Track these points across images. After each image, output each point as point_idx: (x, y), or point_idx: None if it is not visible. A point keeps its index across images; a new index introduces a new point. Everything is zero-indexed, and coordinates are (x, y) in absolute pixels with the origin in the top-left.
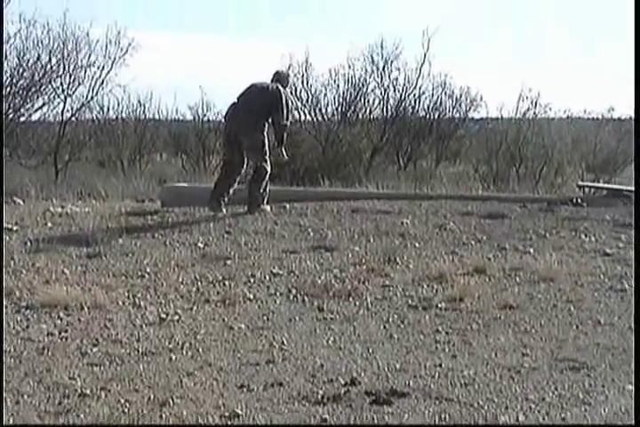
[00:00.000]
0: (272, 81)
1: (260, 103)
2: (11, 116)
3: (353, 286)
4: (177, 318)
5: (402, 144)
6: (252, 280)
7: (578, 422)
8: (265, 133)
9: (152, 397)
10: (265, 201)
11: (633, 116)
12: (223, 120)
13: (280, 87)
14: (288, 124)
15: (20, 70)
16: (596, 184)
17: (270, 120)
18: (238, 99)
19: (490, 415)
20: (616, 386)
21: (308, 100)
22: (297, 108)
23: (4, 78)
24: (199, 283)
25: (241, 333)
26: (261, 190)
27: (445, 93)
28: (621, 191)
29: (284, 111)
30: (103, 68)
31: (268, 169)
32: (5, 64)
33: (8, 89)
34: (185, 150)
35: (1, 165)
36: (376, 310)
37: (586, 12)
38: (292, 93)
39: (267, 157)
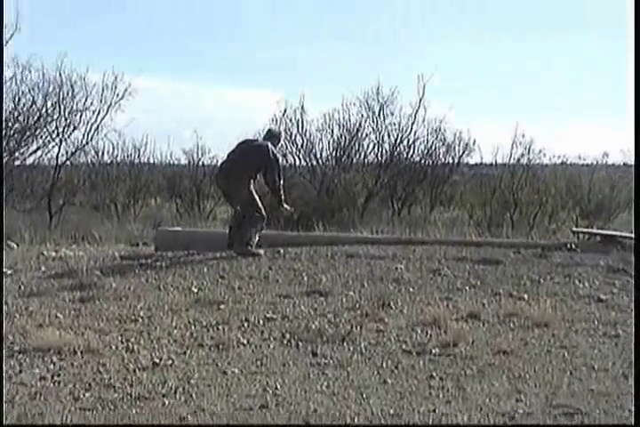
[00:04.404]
0: (264, 138)
1: (248, 162)
2: (5, 159)
3: (347, 331)
4: (170, 362)
5: (396, 189)
6: (245, 325)
7: None
8: (252, 188)
9: None
10: (257, 245)
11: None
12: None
13: (270, 146)
14: (282, 182)
15: (16, 114)
16: (590, 230)
17: (262, 178)
18: (228, 155)
19: None
20: None
21: (302, 145)
22: (291, 153)
23: None
24: (193, 327)
25: (234, 377)
26: (254, 232)
27: (438, 139)
28: (615, 237)
29: (276, 171)
30: (99, 112)
31: (263, 218)
32: None
33: (3, 132)
34: (179, 194)
35: (1, 209)
36: (370, 355)
37: (579, 59)
38: (286, 139)
39: (259, 208)
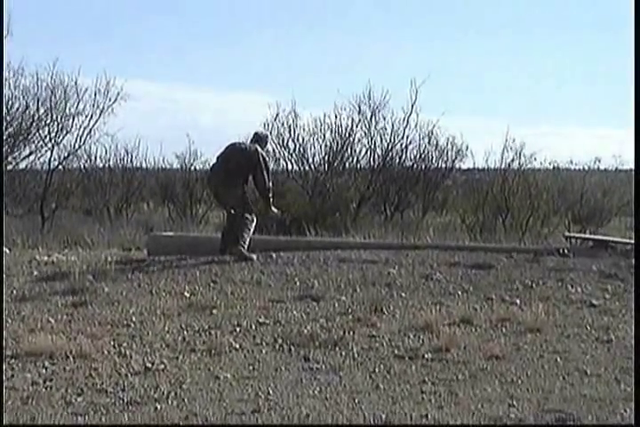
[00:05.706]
0: (251, 141)
1: (238, 164)
2: None
3: (339, 336)
4: (162, 367)
5: (389, 194)
6: (238, 330)
7: None
8: (244, 189)
9: None
10: (249, 249)
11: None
12: (207, 181)
13: (258, 149)
14: (271, 185)
15: (8, 118)
16: (582, 235)
17: (252, 180)
18: (218, 158)
19: None
20: None
21: (294, 150)
22: (284, 158)
23: None
24: (185, 332)
25: (227, 382)
26: (247, 234)
27: (431, 143)
28: (607, 242)
29: (265, 173)
30: (91, 116)
31: (254, 220)
32: None
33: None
34: (172, 199)
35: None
36: (362, 360)
37: (573, 63)
38: (279, 144)
39: (251, 210)
